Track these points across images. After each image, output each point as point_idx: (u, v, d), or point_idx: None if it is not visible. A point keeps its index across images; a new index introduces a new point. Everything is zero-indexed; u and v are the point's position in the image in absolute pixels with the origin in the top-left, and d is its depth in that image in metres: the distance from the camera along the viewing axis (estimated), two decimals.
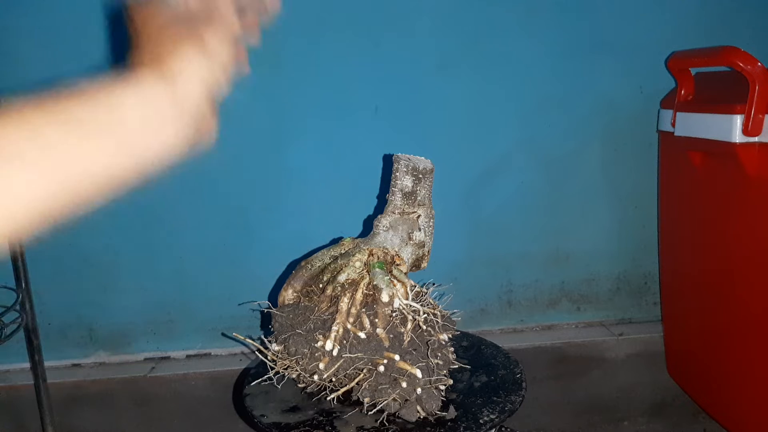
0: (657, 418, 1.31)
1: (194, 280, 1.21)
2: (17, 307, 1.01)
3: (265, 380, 0.65)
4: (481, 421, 0.63)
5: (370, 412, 0.61)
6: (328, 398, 0.63)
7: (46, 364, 1.05)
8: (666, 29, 1.21)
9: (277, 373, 0.64)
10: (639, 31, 1.21)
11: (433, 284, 0.71)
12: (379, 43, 1.15)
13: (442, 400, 0.64)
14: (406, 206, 0.68)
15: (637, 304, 1.36)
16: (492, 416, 0.64)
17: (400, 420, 0.62)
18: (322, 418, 0.64)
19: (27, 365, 1.04)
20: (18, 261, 1.05)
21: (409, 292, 0.64)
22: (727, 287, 1.00)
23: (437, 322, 0.65)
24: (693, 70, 1.09)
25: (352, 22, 1.14)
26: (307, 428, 0.62)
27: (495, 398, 0.68)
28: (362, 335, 0.60)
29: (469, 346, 0.83)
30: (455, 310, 0.71)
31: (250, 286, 1.21)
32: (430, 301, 0.68)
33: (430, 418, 0.62)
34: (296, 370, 0.61)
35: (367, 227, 1.01)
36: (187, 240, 1.19)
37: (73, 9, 1.07)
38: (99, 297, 1.19)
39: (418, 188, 0.68)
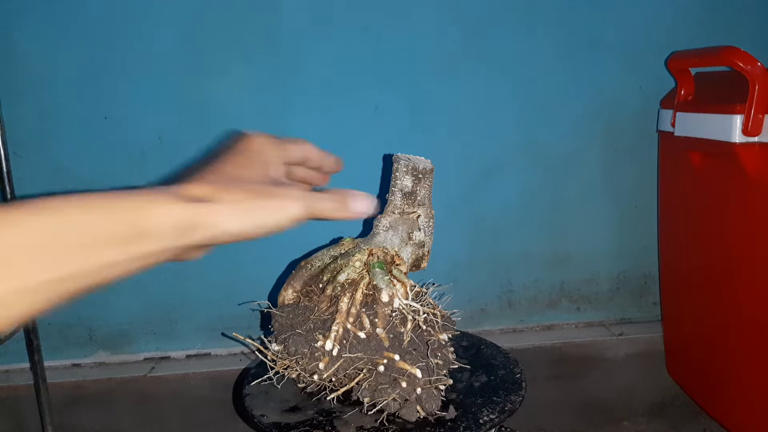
0: (657, 418, 1.31)
1: (194, 280, 1.21)
2: None
3: (265, 380, 0.65)
4: (480, 421, 0.63)
5: (369, 412, 0.61)
6: (328, 398, 0.63)
7: (46, 364, 1.05)
8: (666, 29, 1.21)
9: (277, 373, 0.64)
10: (639, 31, 1.21)
11: (433, 284, 0.71)
12: (380, 41, 1.15)
13: (442, 399, 0.64)
14: (406, 206, 0.68)
15: (637, 304, 1.36)
16: (492, 416, 0.64)
17: (400, 420, 0.62)
18: (322, 418, 0.64)
19: (27, 365, 1.04)
20: None
21: (409, 292, 0.64)
22: (727, 287, 1.00)
23: (437, 322, 0.65)
24: (693, 70, 1.09)
25: (352, 21, 1.14)
26: (306, 428, 0.62)
27: (495, 398, 0.68)
28: (362, 335, 0.60)
29: (469, 346, 0.83)
30: (455, 310, 0.71)
31: (250, 286, 1.21)
32: (430, 301, 0.68)
33: (430, 418, 0.62)
34: (296, 370, 0.61)
35: (367, 227, 1.01)
36: None
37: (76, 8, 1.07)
38: (99, 297, 1.19)
39: (418, 188, 0.68)
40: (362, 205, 0.50)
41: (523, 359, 0.79)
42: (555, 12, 1.18)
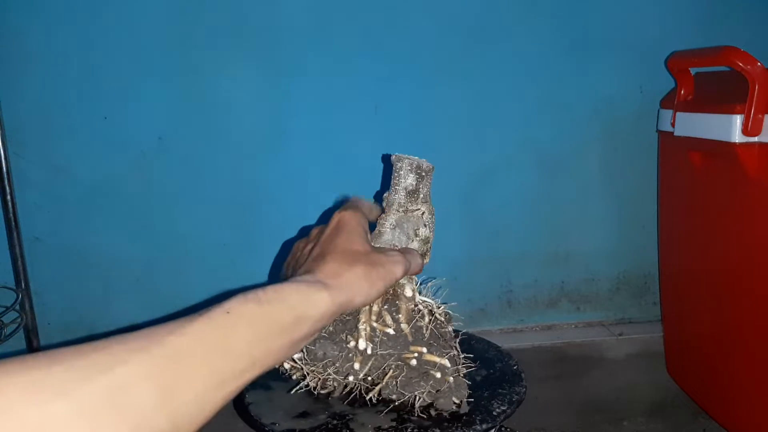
0: (657, 418, 1.31)
1: (194, 280, 1.20)
2: (17, 307, 1.01)
3: (300, 388, 0.66)
4: (494, 413, 0.64)
5: (387, 406, 0.61)
6: (367, 397, 0.63)
7: None
8: (666, 29, 1.22)
9: (295, 378, 0.65)
10: (639, 31, 1.21)
11: (435, 278, 0.72)
12: (380, 41, 1.15)
13: (468, 384, 0.65)
14: (410, 204, 0.69)
15: (637, 304, 1.36)
16: (503, 407, 0.65)
17: (416, 418, 0.62)
18: (336, 421, 0.63)
19: None
20: (18, 261, 1.05)
21: (416, 287, 0.67)
22: (727, 287, 1.01)
23: (447, 314, 0.67)
24: (693, 70, 1.10)
25: (352, 21, 1.14)
26: None
27: (500, 390, 0.69)
28: (390, 331, 0.61)
29: (461, 342, 0.84)
30: (455, 310, 0.72)
31: (250, 286, 1.21)
32: (431, 296, 0.70)
33: (444, 414, 0.63)
34: (320, 376, 0.62)
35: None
36: (187, 240, 1.18)
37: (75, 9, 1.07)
38: (99, 297, 1.18)
39: (420, 186, 0.69)
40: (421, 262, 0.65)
41: (523, 359, 0.79)
42: (555, 12, 1.19)
